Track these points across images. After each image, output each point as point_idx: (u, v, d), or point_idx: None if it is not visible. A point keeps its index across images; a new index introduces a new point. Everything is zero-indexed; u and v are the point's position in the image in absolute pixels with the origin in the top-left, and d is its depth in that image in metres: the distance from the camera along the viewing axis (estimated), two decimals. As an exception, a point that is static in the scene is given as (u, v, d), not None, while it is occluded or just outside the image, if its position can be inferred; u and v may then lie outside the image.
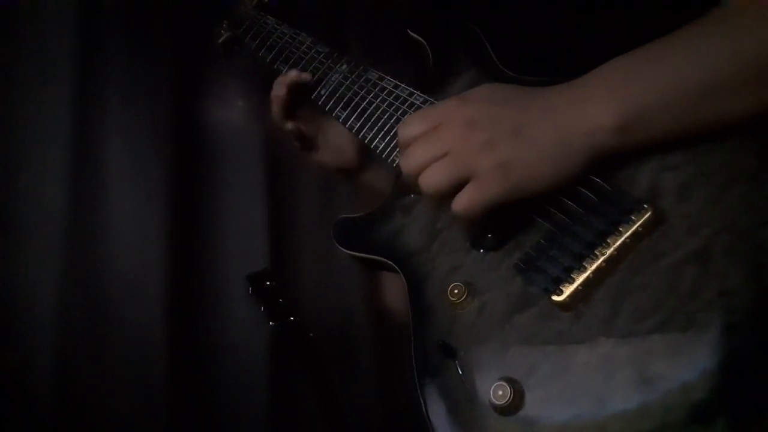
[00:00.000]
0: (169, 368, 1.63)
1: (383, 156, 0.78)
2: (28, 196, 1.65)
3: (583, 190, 0.62)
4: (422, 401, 0.64)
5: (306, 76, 0.91)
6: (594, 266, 0.58)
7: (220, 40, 1.10)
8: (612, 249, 0.58)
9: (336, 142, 1.01)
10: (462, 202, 0.60)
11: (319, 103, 0.88)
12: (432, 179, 0.61)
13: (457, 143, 0.60)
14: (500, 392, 0.57)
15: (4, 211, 1.63)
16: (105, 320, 1.65)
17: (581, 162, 0.59)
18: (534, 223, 0.65)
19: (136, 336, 1.65)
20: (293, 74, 0.91)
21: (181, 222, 1.75)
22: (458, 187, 0.60)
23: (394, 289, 1.74)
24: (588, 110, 0.59)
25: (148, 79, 1.79)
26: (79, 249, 1.66)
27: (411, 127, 0.64)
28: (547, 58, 0.70)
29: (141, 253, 1.71)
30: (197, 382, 1.68)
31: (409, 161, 0.63)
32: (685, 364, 0.51)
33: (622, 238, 0.58)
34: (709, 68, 0.56)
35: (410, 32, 0.82)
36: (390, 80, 0.81)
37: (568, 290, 0.58)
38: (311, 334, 1.44)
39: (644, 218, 0.57)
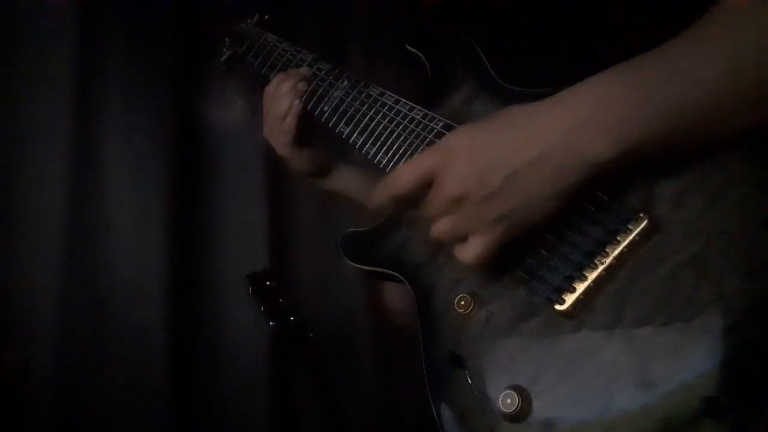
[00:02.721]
0: (169, 368, 1.64)
1: (387, 171, 0.79)
2: (28, 196, 1.65)
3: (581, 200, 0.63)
4: (434, 411, 0.65)
5: (302, 87, 0.92)
6: (594, 275, 0.59)
7: (223, 58, 1.11)
8: (611, 258, 0.59)
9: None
10: (470, 256, 0.62)
11: (322, 119, 0.89)
12: (438, 236, 0.63)
13: (454, 212, 0.61)
14: (509, 400, 0.59)
15: (4, 211, 1.63)
16: (105, 320, 1.66)
17: (578, 187, 0.59)
18: (535, 233, 0.66)
19: (136, 336, 1.65)
20: (296, 102, 0.92)
21: (181, 222, 1.76)
22: (463, 238, 0.62)
23: (393, 291, 1.75)
24: (582, 145, 0.57)
25: (148, 79, 1.79)
26: (79, 249, 1.67)
27: (402, 181, 0.64)
28: (543, 70, 0.70)
29: (141, 253, 1.71)
30: (197, 382, 1.69)
31: (419, 219, 0.65)
32: (684, 366, 0.53)
33: (620, 247, 0.59)
34: (712, 90, 0.55)
35: (408, 47, 0.83)
36: (390, 95, 0.81)
37: (570, 299, 0.60)
38: (311, 334, 1.45)
39: (641, 227, 0.58)
